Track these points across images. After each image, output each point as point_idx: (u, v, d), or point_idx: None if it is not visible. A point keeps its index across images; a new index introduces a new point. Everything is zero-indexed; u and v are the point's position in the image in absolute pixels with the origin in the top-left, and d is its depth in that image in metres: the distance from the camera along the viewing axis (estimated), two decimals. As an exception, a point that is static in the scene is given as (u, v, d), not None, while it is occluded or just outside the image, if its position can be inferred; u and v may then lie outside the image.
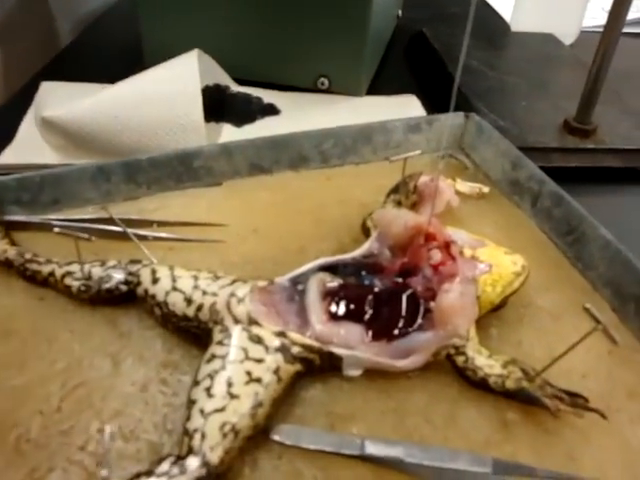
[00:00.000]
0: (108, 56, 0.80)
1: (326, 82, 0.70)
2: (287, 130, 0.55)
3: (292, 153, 0.53)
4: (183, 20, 0.70)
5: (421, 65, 0.84)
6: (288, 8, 0.67)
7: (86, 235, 0.37)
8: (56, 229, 0.38)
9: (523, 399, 0.35)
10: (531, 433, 0.34)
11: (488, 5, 1.06)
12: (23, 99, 0.65)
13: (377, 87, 0.76)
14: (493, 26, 0.98)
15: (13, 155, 0.56)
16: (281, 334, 0.35)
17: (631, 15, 1.01)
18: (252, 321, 0.35)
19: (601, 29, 0.58)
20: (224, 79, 0.68)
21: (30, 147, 0.57)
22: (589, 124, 0.62)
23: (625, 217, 0.56)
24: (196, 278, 0.39)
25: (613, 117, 0.66)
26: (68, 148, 0.57)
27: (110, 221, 0.45)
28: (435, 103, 0.71)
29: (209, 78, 0.65)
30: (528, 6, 0.93)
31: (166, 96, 0.56)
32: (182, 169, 0.51)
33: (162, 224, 0.47)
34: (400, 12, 0.94)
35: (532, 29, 0.91)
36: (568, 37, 0.92)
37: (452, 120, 0.57)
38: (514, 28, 0.95)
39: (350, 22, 0.67)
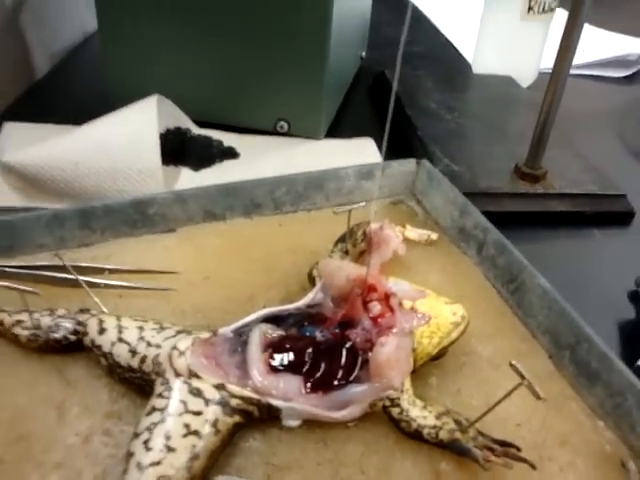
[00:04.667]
0: (76, 97, 0.80)
1: (285, 125, 0.72)
2: (244, 174, 0.55)
3: (245, 200, 0.54)
4: (145, 64, 0.71)
5: (383, 106, 0.84)
6: (248, 54, 0.69)
7: (31, 289, 0.38)
8: (1, 282, 0.38)
9: (456, 450, 0.35)
10: (463, 484, 0.35)
11: (451, 46, 1.09)
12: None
13: (339, 128, 0.77)
14: (455, 67, 1.01)
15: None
16: (221, 386, 0.36)
17: (582, 59, 1.03)
18: (192, 374, 0.36)
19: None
20: (185, 122, 0.69)
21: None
22: (538, 169, 0.63)
23: (574, 261, 0.58)
24: (142, 329, 0.39)
25: (563, 161, 0.68)
26: (27, 190, 0.58)
27: (62, 268, 0.45)
28: (394, 146, 0.72)
29: (170, 121, 0.66)
30: (488, 48, 0.96)
31: (124, 142, 0.57)
32: (137, 216, 0.51)
33: (114, 271, 0.48)
34: (364, 53, 0.96)
35: (492, 71, 0.93)
36: (526, 79, 0.94)
37: (404, 167, 0.59)
38: (475, 69, 0.97)
39: (308, 67, 0.68)
